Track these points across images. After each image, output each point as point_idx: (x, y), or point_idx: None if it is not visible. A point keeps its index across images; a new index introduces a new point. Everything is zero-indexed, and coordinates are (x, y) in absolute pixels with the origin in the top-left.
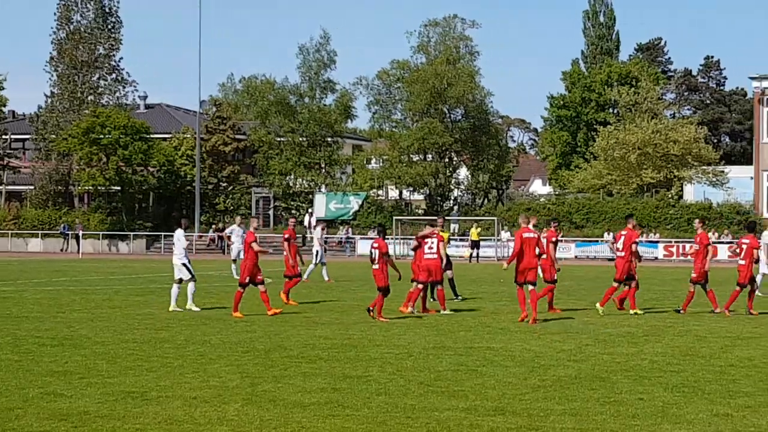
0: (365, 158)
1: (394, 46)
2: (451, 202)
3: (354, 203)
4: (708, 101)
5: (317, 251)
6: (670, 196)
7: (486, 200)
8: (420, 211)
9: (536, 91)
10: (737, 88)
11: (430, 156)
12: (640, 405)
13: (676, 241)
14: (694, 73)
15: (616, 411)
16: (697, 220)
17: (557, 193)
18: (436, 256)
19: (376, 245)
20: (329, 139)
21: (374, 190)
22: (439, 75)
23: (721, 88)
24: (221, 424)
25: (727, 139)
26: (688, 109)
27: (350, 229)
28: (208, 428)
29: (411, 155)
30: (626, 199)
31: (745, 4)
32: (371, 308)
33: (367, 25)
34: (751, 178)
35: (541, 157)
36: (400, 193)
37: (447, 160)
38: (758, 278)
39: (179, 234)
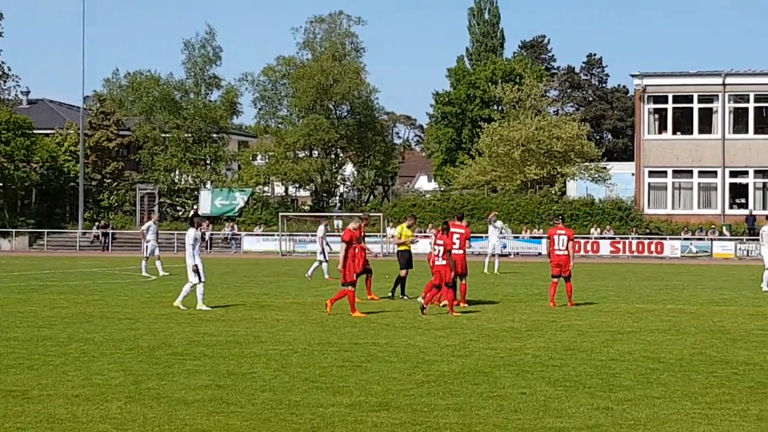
0: (251, 154)
1: (280, 42)
2: (337, 198)
3: (239, 199)
4: (591, 98)
5: (322, 249)
6: (553, 192)
7: (372, 196)
8: (306, 208)
9: (422, 88)
10: (619, 85)
11: (315, 152)
12: (523, 399)
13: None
14: (577, 70)
15: (498, 405)
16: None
17: (442, 189)
18: (443, 262)
19: (440, 242)
20: (215, 135)
21: (260, 187)
22: (324, 71)
23: (604, 85)
24: (104, 422)
25: (610, 136)
26: (571, 106)
27: (236, 226)
28: (90, 426)
29: (297, 151)
30: (510, 195)
31: (626, 3)
32: (445, 305)
33: (253, 21)
34: (633, 174)
35: (426, 153)
36: (286, 189)
37: (333, 156)
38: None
39: (191, 233)
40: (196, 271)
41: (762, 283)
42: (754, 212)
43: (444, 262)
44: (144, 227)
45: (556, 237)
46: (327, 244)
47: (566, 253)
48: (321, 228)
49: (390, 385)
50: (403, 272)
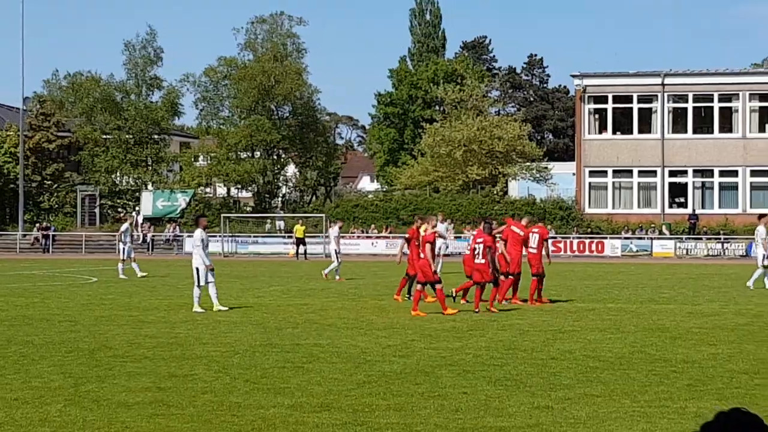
0: (193, 155)
1: (222, 43)
2: (279, 199)
3: (181, 201)
4: (532, 99)
5: (335, 250)
6: (495, 192)
7: (314, 197)
8: (248, 209)
9: (364, 89)
10: (560, 85)
11: (258, 153)
12: (464, 399)
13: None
14: (518, 71)
15: (440, 405)
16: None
17: (385, 189)
18: (483, 260)
19: (480, 240)
20: (156, 136)
21: (202, 188)
22: (266, 72)
23: (545, 85)
24: (43, 425)
25: (551, 136)
26: (512, 107)
27: (178, 227)
28: (29, 430)
29: (239, 152)
30: (452, 195)
31: (567, 4)
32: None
33: (194, 21)
34: (573, 174)
35: (368, 154)
36: (228, 190)
37: (275, 157)
38: (757, 273)
39: (198, 234)
40: (212, 270)
41: (749, 281)
42: (696, 212)
43: (483, 261)
44: (122, 229)
45: (531, 235)
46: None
47: (537, 251)
48: (336, 228)
49: (331, 386)
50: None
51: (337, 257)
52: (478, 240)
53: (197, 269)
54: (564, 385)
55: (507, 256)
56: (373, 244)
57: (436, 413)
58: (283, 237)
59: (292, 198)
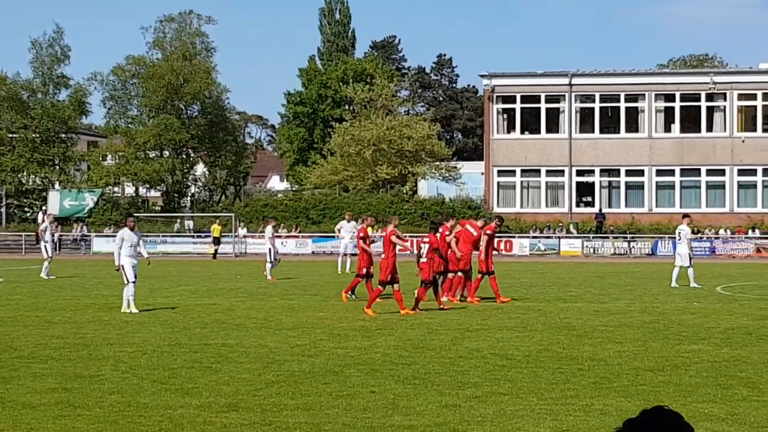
0: (101, 155)
1: (130, 41)
2: (188, 198)
3: (89, 200)
4: (441, 98)
5: (270, 249)
6: (404, 191)
7: (224, 196)
8: (157, 208)
9: (273, 88)
10: (469, 85)
11: (166, 152)
12: (372, 398)
13: (410, 236)
14: (428, 70)
15: (348, 404)
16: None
17: (294, 189)
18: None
19: (427, 239)
20: (63, 135)
21: (110, 187)
22: (175, 71)
23: (454, 85)
24: None
25: (460, 136)
26: (421, 106)
27: (85, 227)
28: None
29: (147, 151)
30: (362, 194)
31: (476, 4)
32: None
33: (102, 20)
34: (482, 173)
35: (278, 153)
36: (137, 189)
37: (184, 156)
38: (675, 271)
39: (119, 234)
40: (124, 269)
41: (692, 283)
42: (603, 211)
43: (425, 260)
44: (41, 228)
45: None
46: (273, 244)
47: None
48: (269, 228)
49: (239, 386)
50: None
51: (272, 256)
52: (425, 240)
53: (122, 266)
54: (472, 383)
55: (458, 253)
56: (282, 243)
57: (345, 412)
58: (192, 237)
59: (201, 197)
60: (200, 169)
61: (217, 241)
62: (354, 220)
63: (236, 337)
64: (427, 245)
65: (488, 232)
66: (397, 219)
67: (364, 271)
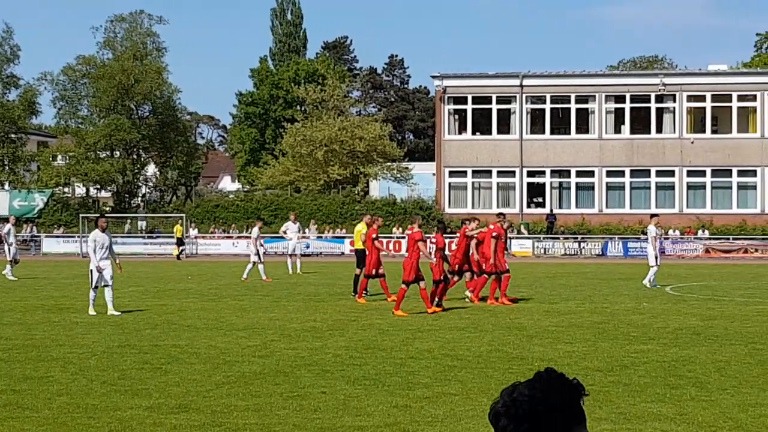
0: (51, 155)
1: (80, 41)
2: (139, 199)
3: (39, 201)
4: (393, 99)
5: (256, 251)
6: (356, 192)
7: (175, 197)
8: (107, 209)
9: (225, 88)
10: (420, 86)
11: (117, 153)
12: (323, 398)
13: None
14: (379, 71)
15: (299, 405)
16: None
17: (246, 189)
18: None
19: (434, 240)
20: (13, 135)
21: (60, 188)
22: (125, 71)
23: (405, 86)
24: None
25: (411, 136)
26: (373, 107)
27: (35, 228)
28: None
29: (98, 152)
30: (314, 195)
31: (427, 5)
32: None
33: (53, 19)
34: (434, 174)
35: (230, 153)
36: (87, 190)
37: (135, 156)
38: (650, 272)
39: (91, 235)
40: (100, 272)
41: (644, 280)
42: (554, 211)
43: (434, 260)
44: (4, 231)
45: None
46: (261, 245)
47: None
48: (255, 229)
49: (190, 387)
50: (357, 270)
51: (259, 258)
52: (432, 241)
53: (91, 271)
54: (422, 384)
55: (476, 256)
56: (234, 244)
57: (295, 413)
58: (143, 237)
59: (152, 198)
60: (151, 169)
61: (180, 242)
62: (299, 221)
63: (187, 339)
64: (434, 246)
65: (494, 234)
66: (420, 218)
67: (374, 271)
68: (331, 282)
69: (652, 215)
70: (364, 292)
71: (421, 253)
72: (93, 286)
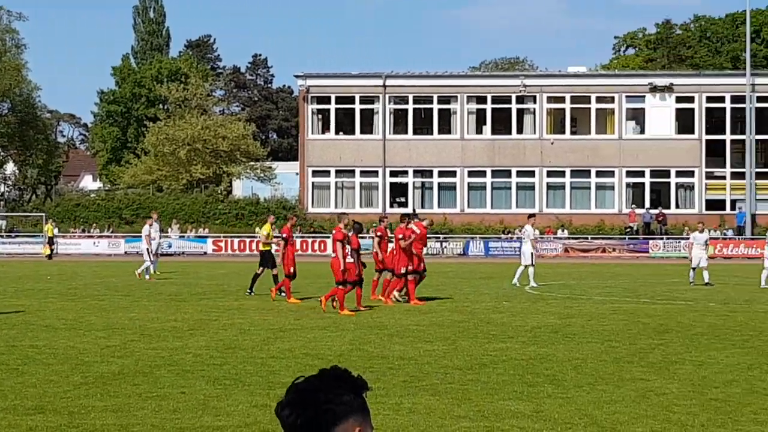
0: None
1: None
2: None
3: None
4: (256, 98)
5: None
6: (219, 191)
7: (34, 196)
8: None
9: (87, 86)
10: (284, 86)
11: None
12: (182, 399)
13: (225, 236)
14: (243, 70)
15: (158, 405)
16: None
17: (107, 188)
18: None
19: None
20: None
21: None
22: None
23: (269, 85)
24: None
25: (275, 136)
26: (237, 106)
27: None
28: None
29: None
30: (176, 194)
31: (292, 4)
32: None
33: None
34: (297, 173)
35: (91, 152)
36: None
37: None
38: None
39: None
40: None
41: (514, 280)
42: (417, 211)
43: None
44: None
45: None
46: (150, 243)
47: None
48: (146, 227)
49: (47, 388)
50: (260, 270)
51: (149, 255)
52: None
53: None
54: (282, 383)
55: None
56: (95, 243)
57: (154, 414)
58: (2, 237)
59: (11, 196)
60: (10, 167)
61: (51, 241)
62: (159, 221)
63: (45, 339)
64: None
65: (400, 235)
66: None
67: (292, 270)
68: (193, 282)
69: (530, 215)
70: (278, 291)
71: (338, 253)
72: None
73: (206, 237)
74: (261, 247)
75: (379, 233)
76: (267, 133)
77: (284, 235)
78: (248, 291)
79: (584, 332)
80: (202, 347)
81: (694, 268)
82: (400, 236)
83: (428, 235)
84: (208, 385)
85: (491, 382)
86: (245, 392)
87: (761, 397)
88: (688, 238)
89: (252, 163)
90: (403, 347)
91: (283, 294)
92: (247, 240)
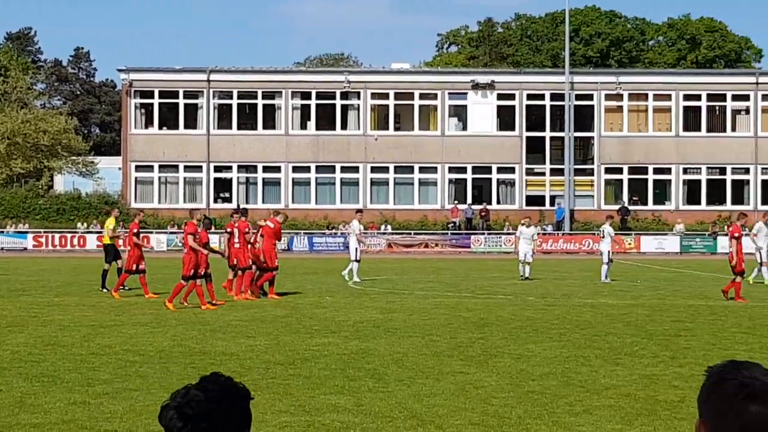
0: None
1: None
2: None
3: None
4: (78, 92)
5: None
6: (40, 186)
7: None
8: None
9: None
10: (107, 79)
11: None
12: None
13: (45, 231)
14: (65, 63)
15: None
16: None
17: None
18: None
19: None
20: None
21: None
22: None
23: (92, 79)
24: None
25: (98, 130)
26: (58, 100)
27: None
28: None
29: None
30: None
31: None
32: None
33: None
34: (120, 168)
35: None
36: None
37: None
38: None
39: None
40: None
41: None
42: (242, 206)
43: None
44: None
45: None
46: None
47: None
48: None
49: None
50: (106, 266)
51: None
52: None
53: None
54: (102, 380)
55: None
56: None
57: None
58: None
59: None
60: None
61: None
62: None
63: None
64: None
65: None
66: (200, 213)
67: (134, 267)
68: (13, 278)
69: (358, 210)
70: (121, 287)
71: (189, 245)
72: None
73: (26, 232)
74: (105, 241)
75: (229, 229)
76: (89, 127)
77: (136, 230)
78: (102, 288)
79: (406, 327)
80: (20, 344)
81: (521, 262)
82: (246, 230)
83: (249, 231)
84: (26, 383)
85: (313, 376)
86: (63, 389)
87: (576, 389)
88: (509, 234)
89: (74, 157)
90: (225, 343)
91: (126, 289)
92: (69, 235)
